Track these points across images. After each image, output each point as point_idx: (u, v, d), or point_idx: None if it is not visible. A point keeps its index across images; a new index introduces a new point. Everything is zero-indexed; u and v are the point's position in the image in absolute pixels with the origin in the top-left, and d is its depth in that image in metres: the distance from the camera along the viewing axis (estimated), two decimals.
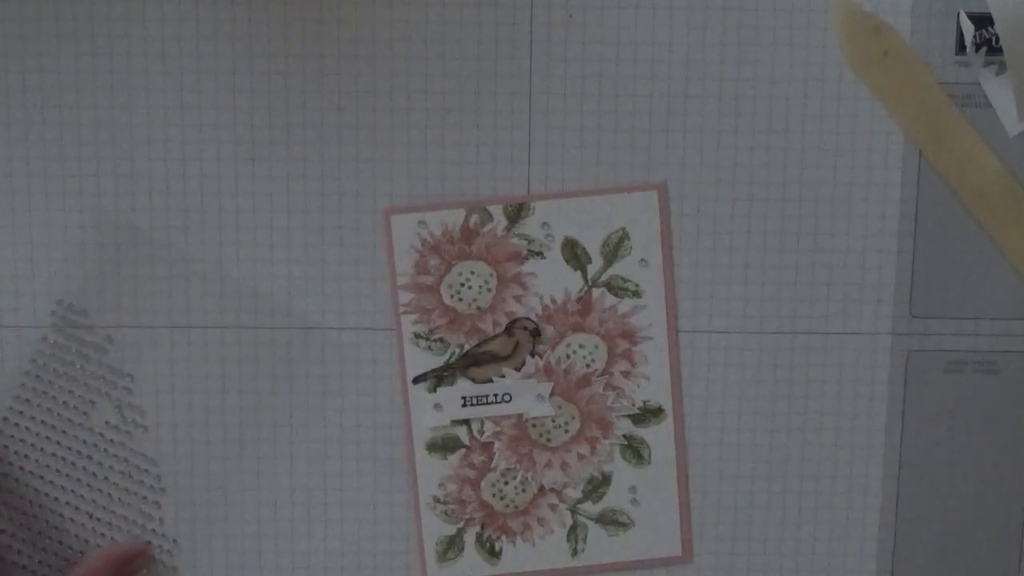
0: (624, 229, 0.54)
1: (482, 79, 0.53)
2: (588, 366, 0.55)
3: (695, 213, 0.54)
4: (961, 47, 0.53)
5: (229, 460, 0.55)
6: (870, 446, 0.55)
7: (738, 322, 0.55)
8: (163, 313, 0.55)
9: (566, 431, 0.55)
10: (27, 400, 0.55)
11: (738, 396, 0.55)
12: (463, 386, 0.55)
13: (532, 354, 0.55)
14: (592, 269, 0.54)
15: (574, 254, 0.54)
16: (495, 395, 0.55)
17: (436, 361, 0.55)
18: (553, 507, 0.56)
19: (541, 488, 0.56)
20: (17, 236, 0.54)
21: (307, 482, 0.56)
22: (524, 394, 0.55)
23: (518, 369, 0.55)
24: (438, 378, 0.55)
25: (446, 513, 0.56)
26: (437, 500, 0.55)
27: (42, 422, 0.55)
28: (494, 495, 0.56)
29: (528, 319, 0.55)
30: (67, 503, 0.55)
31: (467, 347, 0.55)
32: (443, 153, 0.54)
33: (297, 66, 0.53)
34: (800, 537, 0.56)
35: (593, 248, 0.54)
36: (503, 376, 0.55)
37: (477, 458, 0.55)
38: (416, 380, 0.55)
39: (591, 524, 0.56)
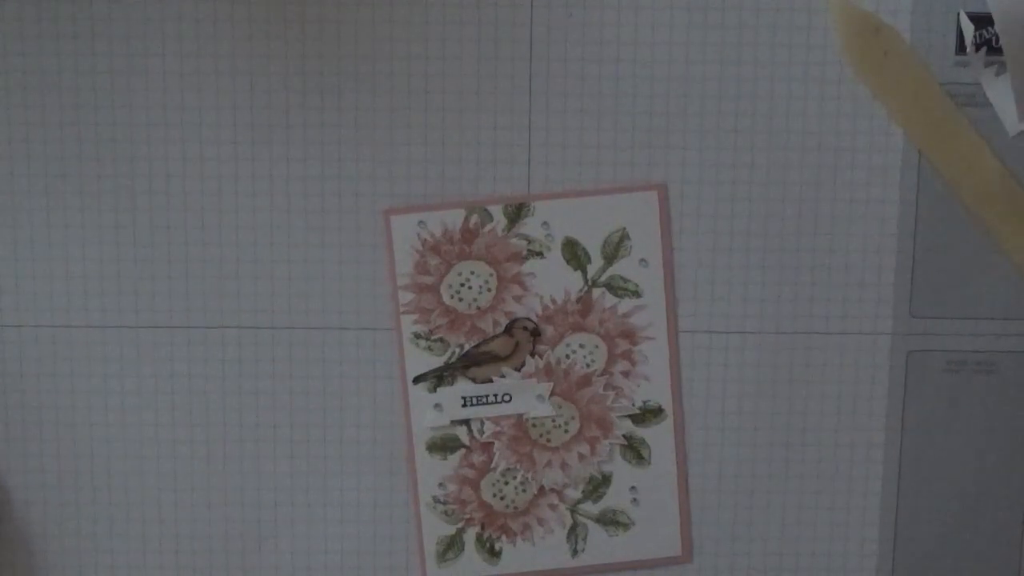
0: (624, 229, 0.54)
1: (482, 79, 0.53)
2: (588, 366, 0.55)
3: (695, 213, 0.54)
4: (961, 47, 0.53)
5: (229, 460, 0.55)
6: (870, 446, 0.55)
7: (738, 322, 0.55)
8: (163, 313, 0.55)
9: (566, 431, 0.55)
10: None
11: (738, 396, 0.55)
12: (463, 386, 0.55)
13: (532, 354, 0.55)
14: (592, 269, 0.54)
15: (574, 254, 0.54)
16: (495, 395, 0.55)
17: (436, 361, 0.55)
18: (553, 507, 0.56)
19: (541, 488, 0.56)
20: (17, 236, 0.54)
21: (307, 482, 0.56)
22: (524, 394, 0.55)
23: (518, 369, 0.55)
24: (438, 378, 0.55)
25: (446, 513, 0.56)
26: (437, 500, 0.55)
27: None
28: (494, 495, 0.56)
29: (528, 319, 0.55)
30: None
31: (467, 347, 0.55)
32: (443, 153, 0.54)
33: (297, 66, 0.53)
34: (800, 537, 0.56)
35: (593, 248, 0.54)
36: (503, 376, 0.55)
37: (477, 458, 0.55)
38: (416, 380, 0.55)
39: (591, 524, 0.56)
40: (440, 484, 0.55)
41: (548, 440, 0.55)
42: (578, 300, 0.55)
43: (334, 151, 0.54)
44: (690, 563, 0.56)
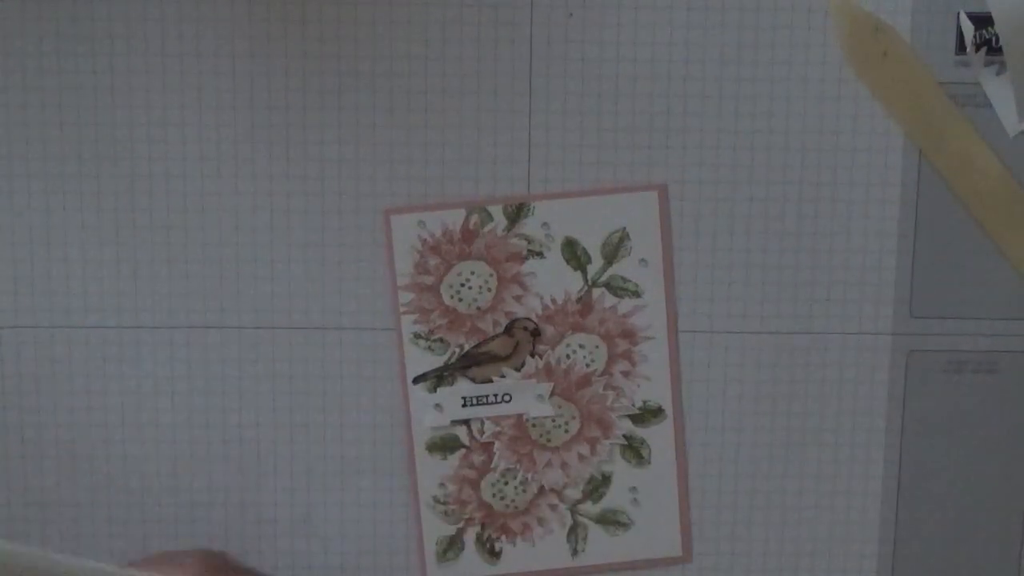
0: (624, 229, 0.54)
1: (482, 79, 0.53)
2: (588, 366, 0.55)
3: (695, 213, 0.54)
4: (961, 47, 0.53)
5: (229, 460, 0.55)
6: (870, 446, 0.55)
7: (738, 322, 0.55)
8: (163, 313, 0.55)
9: (566, 431, 0.55)
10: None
11: (738, 396, 0.55)
12: (463, 386, 0.55)
13: (532, 354, 0.55)
14: (592, 269, 0.54)
15: (574, 254, 0.54)
16: (495, 395, 0.55)
17: (436, 361, 0.55)
18: (553, 507, 0.56)
19: (541, 488, 0.56)
20: (16, 236, 0.54)
21: (307, 482, 0.56)
22: (524, 394, 0.55)
23: (518, 369, 0.55)
24: (438, 378, 0.55)
25: (446, 513, 0.56)
26: (437, 500, 0.55)
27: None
28: (494, 495, 0.56)
29: (528, 319, 0.55)
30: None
31: (467, 347, 0.55)
32: (443, 153, 0.54)
33: (297, 66, 0.53)
34: (800, 537, 0.56)
35: (593, 248, 0.54)
36: (503, 376, 0.55)
37: (477, 458, 0.55)
38: (416, 380, 0.55)
39: (591, 524, 0.56)
40: (440, 484, 0.55)
41: (548, 440, 0.55)
42: (578, 300, 0.55)
43: (334, 151, 0.54)
44: (690, 563, 0.56)
